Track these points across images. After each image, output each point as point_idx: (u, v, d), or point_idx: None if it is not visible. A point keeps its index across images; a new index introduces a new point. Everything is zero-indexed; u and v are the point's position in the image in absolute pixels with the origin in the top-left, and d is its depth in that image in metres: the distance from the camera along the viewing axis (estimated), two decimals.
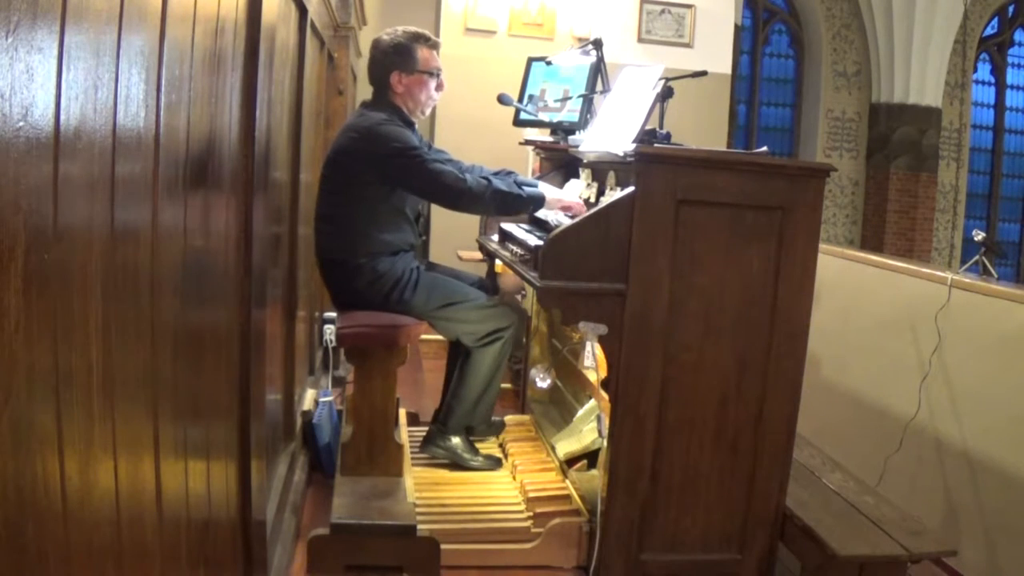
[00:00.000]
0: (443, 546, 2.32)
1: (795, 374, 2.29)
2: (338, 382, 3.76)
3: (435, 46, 2.76)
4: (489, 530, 2.46)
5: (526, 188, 2.68)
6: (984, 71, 9.33)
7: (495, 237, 3.08)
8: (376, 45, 2.74)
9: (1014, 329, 2.71)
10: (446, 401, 2.89)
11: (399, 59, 2.70)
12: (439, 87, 2.79)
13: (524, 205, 2.67)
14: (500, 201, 2.63)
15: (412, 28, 2.75)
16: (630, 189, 2.17)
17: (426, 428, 3.02)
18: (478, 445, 2.98)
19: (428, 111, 2.86)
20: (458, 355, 2.93)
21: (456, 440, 2.85)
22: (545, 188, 2.75)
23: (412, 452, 2.91)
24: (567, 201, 2.68)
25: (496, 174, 2.90)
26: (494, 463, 2.87)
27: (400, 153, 2.58)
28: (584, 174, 2.86)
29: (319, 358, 3.68)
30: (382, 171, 2.61)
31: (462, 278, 2.94)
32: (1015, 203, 9.54)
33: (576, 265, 2.16)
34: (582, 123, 3.07)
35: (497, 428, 3.11)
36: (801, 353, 2.29)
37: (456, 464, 2.84)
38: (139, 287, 1.04)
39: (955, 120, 8.88)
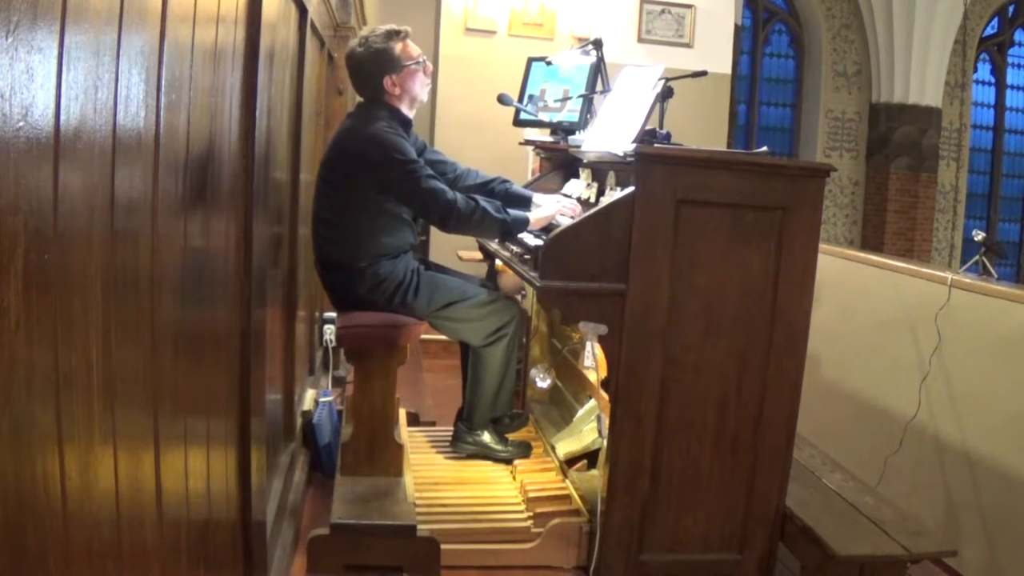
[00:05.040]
0: (443, 546, 2.32)
1: (795, 374, 2.29)
2: (338, 382, 3.75)
3: (407, 36, 2.75)
4: (489, 530, 2.46)
5: (511, 212, 2.66)
6: (984, 71, 9.33)
7: None
8: (354, 59, 2.72)
9: (1014, 329, 2.71)
10: (466, 400, 2.92)
11: (385, 63, 2.68)
12: (427, 71, 2.79)
13: (509, 230, 2.65)
14: (487, 226, 2.63)
15: (380, 28, 2.72)
16: (630, 189, 2.17)
17: (425, 428, 3.02)
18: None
19: (426, 96, 2.86)
20: (469, 352, 2.93)
21: (483, 434, 2.90)
22: (540, 199, 2.78)
23: (414, 451, 2.91)
24: (551, 215, 2.68)
25: (491, 182, 2.91)
26: (524, 449, 2.93)
27: (398, 165, 2.58)
28: (584, 174, 2.86)
29: (319, 358, 3.68)
30: (379, 178, 2.62)
31: (464, 278, 2.94)
32: (1015, 203, 9.54)
33: (576, 265, 2.16)
34: (582, 123, 3.07)
35: (522, 421, 3.10)
36: (801, 353, 2.29)
37: (457, 462, 2.85)
38: (139, 287, 1.04)
39: (955, 120, 8.88)
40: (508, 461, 2.87)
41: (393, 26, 2.74)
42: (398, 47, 2.70)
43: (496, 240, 2.82)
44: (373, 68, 2.69)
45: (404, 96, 2.73)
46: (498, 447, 2.90)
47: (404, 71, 2.70)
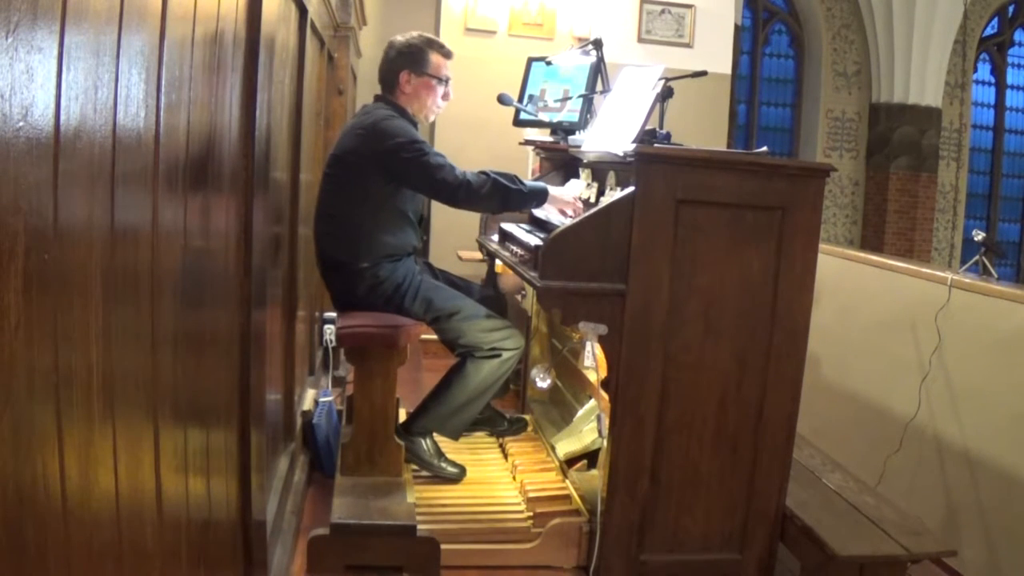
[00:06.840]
0: (443, 546, 2.32)
1: (795, 374, 2.29)
2: (338, 382, 3.75)
3: (448, 55, 2.78)
4: (489, 530, 2.46)
5: (527, 183, 2.65)
6: (984, 71, 9.33)
7: (495, 237, 3.08)
8: (390, 45, 2.78)
9: (1014, 329, 2.71)
10: (423, 399, 2.78)
11: (410, 59, 2.73)
12: (445, 96, 2.80)
13: (526, 200, 2.63)
14: (500, 196, 2.59)
15: (429, 35, 2.80)
16: (630, 189, 2.17)
17: None
18: (502, 441, 3.04)
19: (432, 118, 2.87)
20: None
21: (420, 442, 2.72)
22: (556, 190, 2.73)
23: None
24: (570, 202, 2.65)
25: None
26: (460, 471, 2.73)
27: (402, 147, 2.58)
28: (584, 174, 2.86)
29: (319, 358, 3.68)
30: (385, 166, 2.61)
31: (470, 291, 2.89)
32: (1015, 203, 9.54)
33: (576, 265, 2.16)
34: (582, 123, 3.07)
35: (521, 426, 3.08)
36: (801, 353, 2.29)
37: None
38: (139, 287, 1.04)
39: (955, 120, 8.88)
40: (443, 477, 2.71)
41: (442, 41, 2.80)
42: (433, 56, 2.74)
43: (502, 209, 2.75)
44: (399, 59, 2.74)
45: (414, 99, 2.75)
46: (433, 460, 2.72)
47: (424, 77, 2.73)
